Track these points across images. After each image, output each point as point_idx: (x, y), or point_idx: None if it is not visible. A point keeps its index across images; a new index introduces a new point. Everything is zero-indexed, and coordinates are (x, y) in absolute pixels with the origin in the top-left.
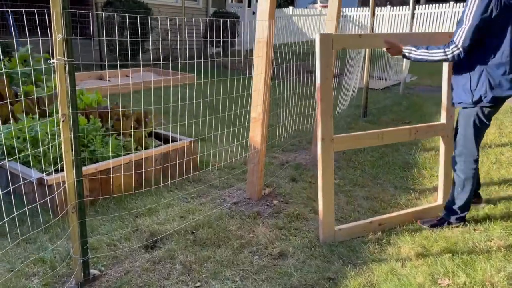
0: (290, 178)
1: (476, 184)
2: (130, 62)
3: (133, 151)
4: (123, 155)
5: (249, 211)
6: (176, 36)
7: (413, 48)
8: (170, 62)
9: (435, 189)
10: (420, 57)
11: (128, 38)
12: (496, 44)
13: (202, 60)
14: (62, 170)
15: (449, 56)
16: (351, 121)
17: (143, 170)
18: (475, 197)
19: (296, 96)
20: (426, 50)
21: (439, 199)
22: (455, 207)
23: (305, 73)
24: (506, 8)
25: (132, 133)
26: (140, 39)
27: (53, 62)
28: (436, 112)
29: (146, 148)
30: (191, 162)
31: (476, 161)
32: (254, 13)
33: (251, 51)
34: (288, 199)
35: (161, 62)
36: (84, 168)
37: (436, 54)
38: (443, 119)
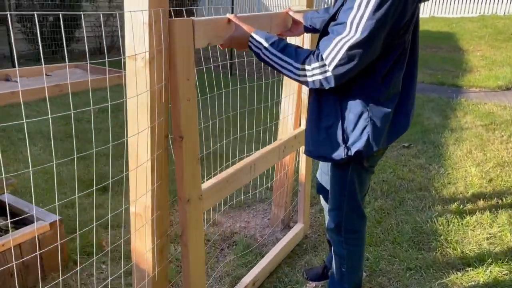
0: (236, 278)
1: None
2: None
3: None
4: None
5: None
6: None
7: (265, 44)
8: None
9: None
10: (269, 61)
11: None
12: (387, 68)
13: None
14: None
15: (309, 80)
16: None
17: None
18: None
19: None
20: (280, 54)
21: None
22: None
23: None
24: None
25: None
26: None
27: None
28: (431, 118)
29: None
30: (59, 258)
31: (364, 217)
32: None
33: None
34: None
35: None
36: None
37: (289, 67)
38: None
